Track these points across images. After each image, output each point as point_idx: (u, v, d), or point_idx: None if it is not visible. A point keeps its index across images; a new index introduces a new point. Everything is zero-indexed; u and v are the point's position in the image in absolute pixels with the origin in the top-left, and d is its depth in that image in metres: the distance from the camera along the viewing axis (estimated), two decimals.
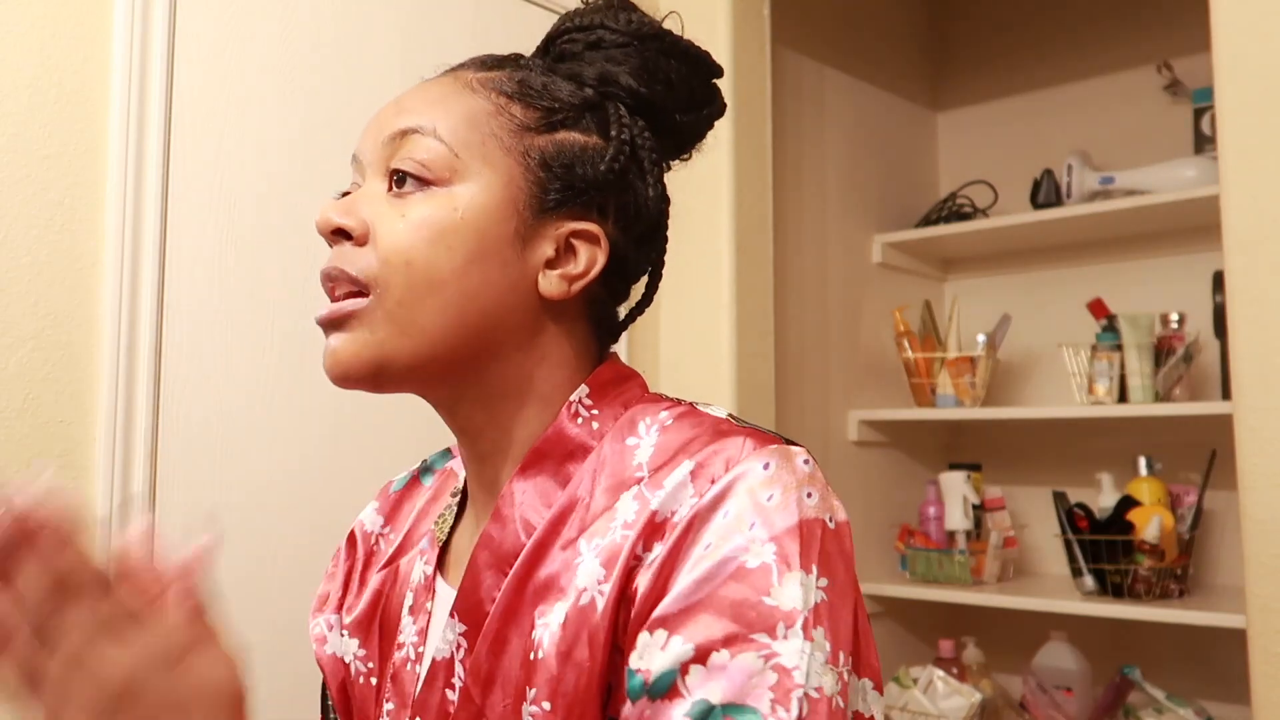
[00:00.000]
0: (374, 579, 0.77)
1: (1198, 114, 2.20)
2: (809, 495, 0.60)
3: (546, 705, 0.60)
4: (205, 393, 1.32)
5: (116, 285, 1.25)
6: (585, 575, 0.62)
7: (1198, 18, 1.50)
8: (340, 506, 1.44)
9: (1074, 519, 2.08)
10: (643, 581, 0.59)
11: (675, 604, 0.58)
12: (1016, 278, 2.53)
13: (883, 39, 2.59)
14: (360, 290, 0.66)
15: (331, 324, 0.67)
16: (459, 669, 0.65)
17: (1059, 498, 2.13)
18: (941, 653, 2.20)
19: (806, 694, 0.55)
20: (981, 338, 2.31)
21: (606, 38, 0.73)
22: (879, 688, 0.63)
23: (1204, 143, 2.16)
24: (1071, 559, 2.09)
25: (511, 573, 0.65)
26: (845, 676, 0.58)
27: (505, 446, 0.70)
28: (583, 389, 0.70)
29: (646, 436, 0.67)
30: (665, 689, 0.56)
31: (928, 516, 2.31)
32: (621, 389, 0.71)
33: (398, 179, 0.67)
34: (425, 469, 0.84)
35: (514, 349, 0.69)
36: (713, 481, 0.60)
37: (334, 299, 0.67)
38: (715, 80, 0.77)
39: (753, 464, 0.61)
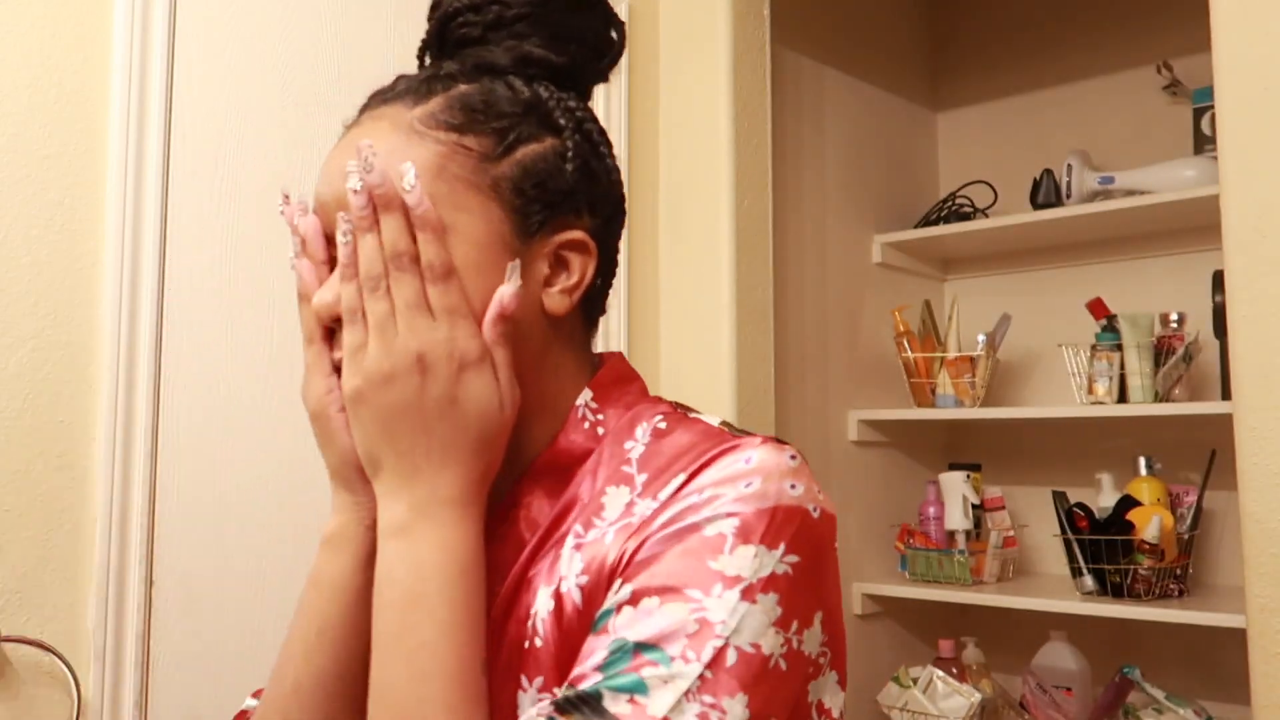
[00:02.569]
0: None
1: (1198, 114, 2.20)
2: (792, 486, 0.61)
3: (548, 693, 0.61)
4: (205, 393, 1.32)
5: (116, 285, 1.25)
6: (566, 564, 0.64)
7: (1198, 18, 1.50)
8: None
9: (1074, 519, 2.08)
10: (627, 547, 0.61)
11: (635, 560, 0.60)
12: (1016, 278, 2.53)
13: (883, 39, 2.59)
14: None
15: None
16: None
17: (1059, 498, 2.13)
18: (941, 653, 2.20)
19: (734, 647, 0.56)
20: (981, 338, 2.31)
21: (506, 14, 0.70)
22: (843, 683, 0.65)
23: (1204, 143, 2.16)
24: (1071, 559, 2.09)
25: (511, 573, 0.66)
26: (798, 647, 0.59)
27: (512, 460, 0.68)
28: (587, 393, 0.71)
29: (640, 440, 0.68)
30: (600, 626, 0.59)
31: (928, 516, 2.31)
32: (624, 390, 0.72)
33: None
34: None
35: (527, 372, 0.68)
36: (704, 460, 0.63)
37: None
38: (610, 17, 0.74)
39: (737, 455, 0.62)
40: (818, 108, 2.32)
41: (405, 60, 1.56)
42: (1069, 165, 2.26)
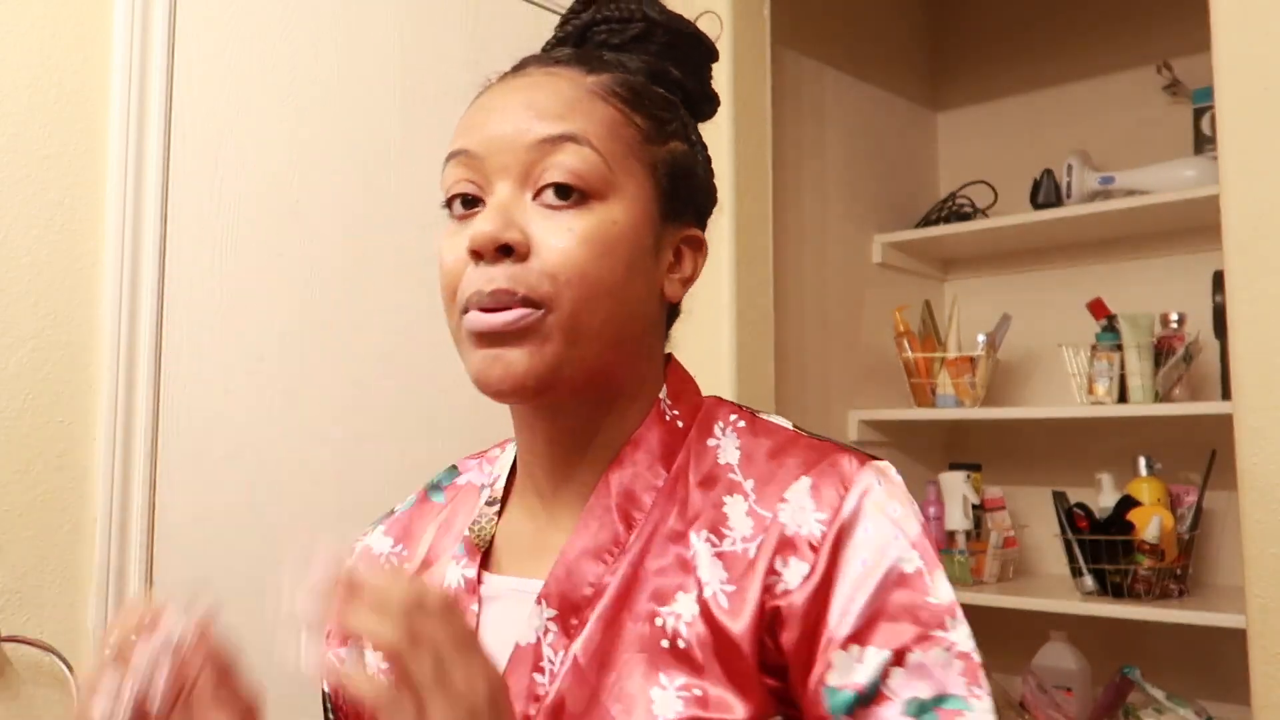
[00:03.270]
0: None
1: (1198, 114, 2.20)
2: (911, 503, 0.68)
3: (698, 691, 0.64)
4: (205, 393, 1.32)
5: (116, 285, 1.24)
6: (707, 572, 0.66)
7: (1198, 18, 1.50)
8: (340, 506, 1.44)
9: (1074, 519, 2.08)
10: (798, 600, 0.64)
11: (857, 621, 0.63)
12: (1016, 278, 2.53)
13: (883, 39, 2.59)
14: (531, 305, 0.65)
15: (503, 338, 0.65)
16: (547, 652, 0.67)
17: (1059, 498, 2.13)
18: None
19: (981, 666, 0.64)
20: (981, 338, 2.31)
21: (651, 32, 0.74)
22: None
23: (1204, 143, 2.16)
24: (1071, 559, 2.09)
25: (625, 560, 0.68)
26: None
27: (598, 443, 0.72)
28: (664, 388, 0.75)
29: (725, 438, 0.73)
30: (873, 695, 0.62)
31: (928, 516, 2.31)
32: (689, 388, 0.77)
33: (556, 190, 0.66)
34: (433, 487, 0.85)
35: (637, 351, 0.72)
36: (840, 500, 0.66)
37: (494, 312, 0.65)
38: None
39: (868, 482, 0.67)
40: (818, 108, 2.32)
41: (404, 59, 1.56)
42: (1069, 165, 2.26)
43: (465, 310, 0.67)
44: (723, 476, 0.70)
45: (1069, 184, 2.26)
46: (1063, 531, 2.10)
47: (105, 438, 1.23)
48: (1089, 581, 2.05)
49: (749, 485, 0.69)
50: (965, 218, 2.44)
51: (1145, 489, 2.06)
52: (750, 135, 1.95)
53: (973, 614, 2.27)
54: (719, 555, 0.67)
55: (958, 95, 2.68)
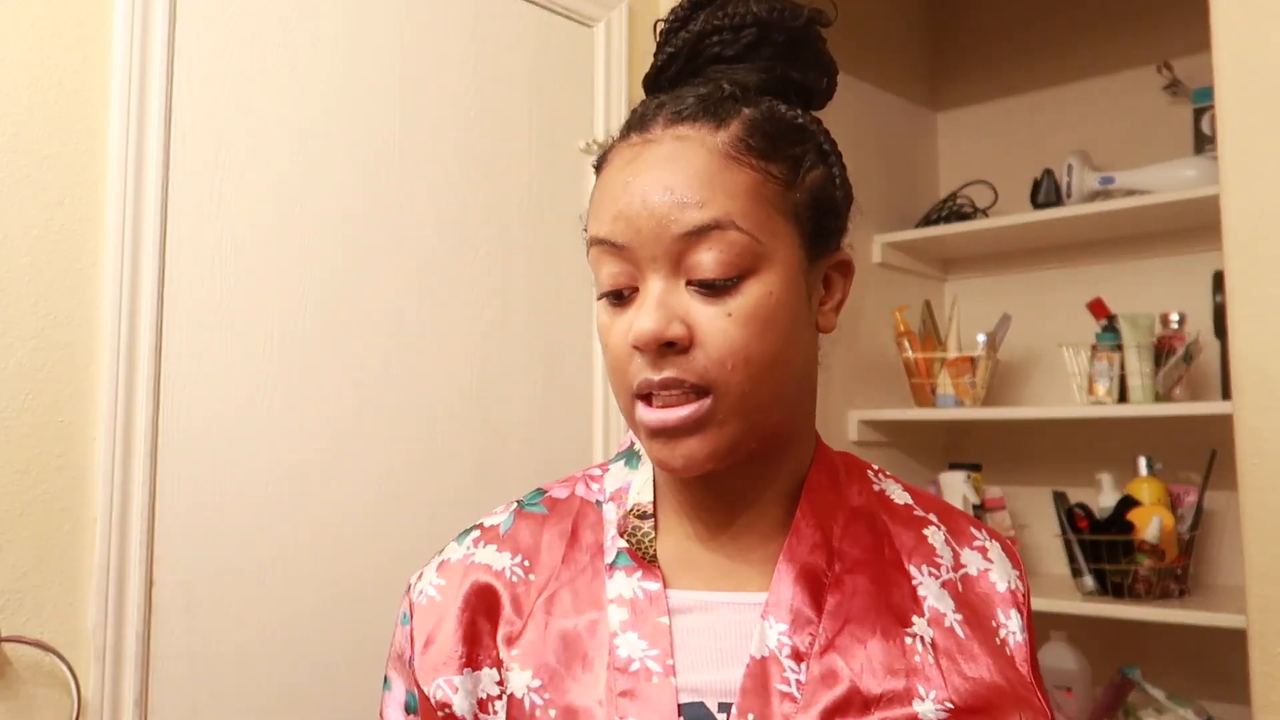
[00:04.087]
0: (537, 601, 0.73)
1: (1198, 114, 2.20)
2: None
3: (950, 705, 0.68)
4: (205, 393, 1.32)
5: (116, 285, 1.24)
6: (937, 599, 0.73)
7: (1198, 18, 1.50)
8: (341, 506, 1.44)
9: (1074, 519, 2.08)
10: (1018, 652, 0.73)
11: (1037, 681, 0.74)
12: (1016, 278, 2.53)
13: (883, 39, 2.59)
14: (701, 392, 0.67)
15: (678, 431, 0.68)
16: (789, 664, 0.68)
17: (1059, 498, 2.13)
18: None
19: None
20: (981, 338, 2.31)
21: (769, 36, 0.73)
22: None
23: (1204, 143, 2.16)
24: (1071, 559, 2.09)
25: (852, 583, 0.72)
26: None
27: (778, 473, 0.75)
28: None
29: (885, 483, 0.80)
30: None
31: None
32: None
33: (703, 281, 0.67)
34: (528, 504, 0.81)
35: (801, 391, 0.75)
36: (1019, 564, 0.79)
37: (664, 405, 0.67)
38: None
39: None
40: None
41: (405, 59, 1.56)
42: (1069, 165, 2.27)
43: (637, 396, 0.69)
44: (909, 513, 0.77)
45: (1069, 184, 2.26)
46: (1063, 531, 2.10)
47: (105, 438, 1.22)
48: (1089, 581, 2.05)
49: (935, 518, 0.78)
50: (965, 218, 2.44)
51: (1145, 489, 2.06)
52: None
53: None
54: (944, 586, 0.74)
55: (958, 95, 2.68)
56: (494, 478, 1.62)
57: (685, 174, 0.67)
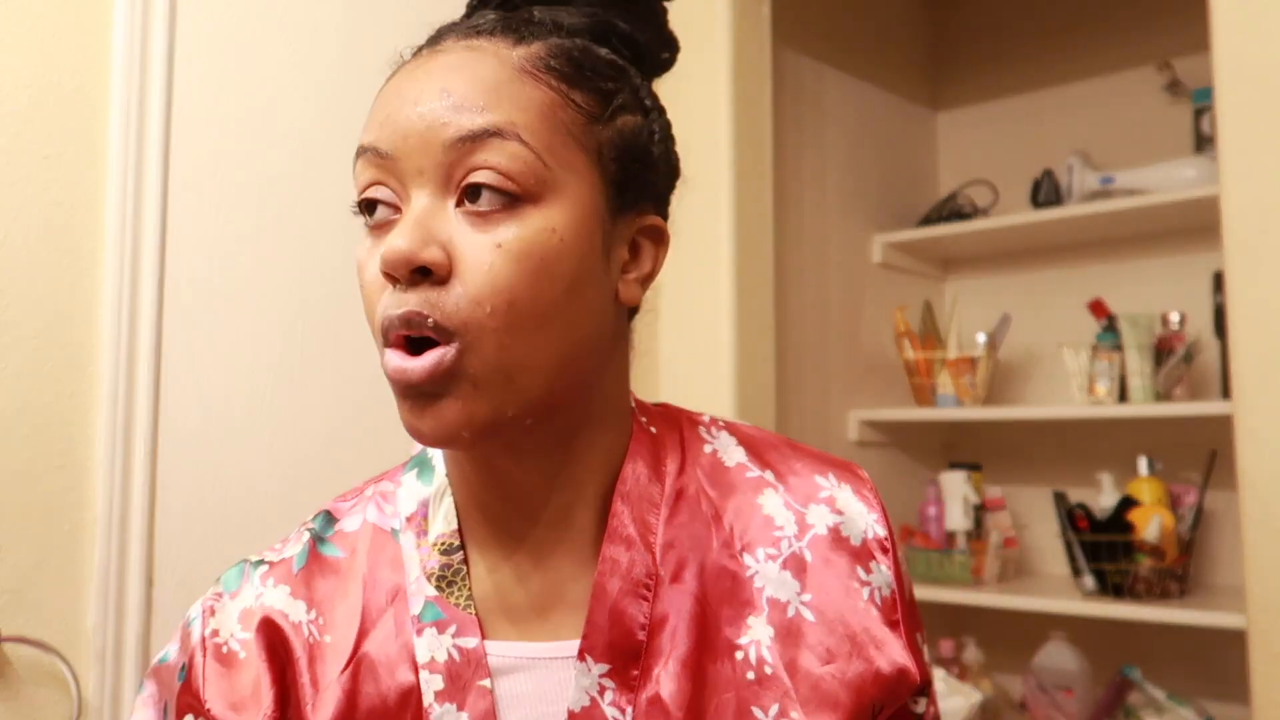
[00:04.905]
0: (336, 677, 0.61)
1: (1198, 114, 2.20)
2: None
3: (795, 714, 0.60)
4: (205, 393, 1.32)
5: (116, 285, 1.24)
6: (776, 587, 0.63)
7: (1198, 18, 1.50)
8: None
9: (1074, 519, 2.08)
10: (886, 607, 0.65)
11: (912, 622, 0.67)
12: (1016, 278, 2.53)
13: (883, 39, 2.59)
14: (447, 338, 0.55)
15: (428, 388, 0.56)
16: (611, 713, 0.59)
17: (1059, 498, 2.13)
18: (942, 653, 2.20)
19: None
20: (981, 338, 2.31)
21: None
22: None
23: (1204, 143, 2.16)
24: (1072, 559, 2.09)
25: (677, 595, 0.62)
26: None
27: (578, 473, 0.63)
28: (632, 399, 0.68)
29: (718, 440, 0.69)
30: (927, 689, 0.68)
31: (928, 516, 2.31)
32: (637, 397, 0.69)
33: (472, 193, 0.56)
34: (319, 540, 0.67)
35: (598, 368, 0.62)
36: (879, 503, 0.69)
37: (408, 347, 0.56)
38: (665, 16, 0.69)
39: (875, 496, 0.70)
40: (818, 108, 2.32)
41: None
42: (1069, 165, 2.27)
43: (385, 342, 0.57)
44: (741, 476, 0.66)
45: (1069, 184, 2.26)
46: (1063, 531, 2.10)
47: (105, 438, 1.23)
48: (1089, 581, 2.05)
49: (771, 477, 0.67)
50: (965, 217, 2.44)
51: (1145, 489, 2.06)
52: (750, 135, 1.95)
53: (973, 614, 2.27)
54: (785, 564, 0.64)
55: (958, 95, 2.68)
56: None
57: (468, 79, 0.57)
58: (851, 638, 0.63)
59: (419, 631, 0.61)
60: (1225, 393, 1.85)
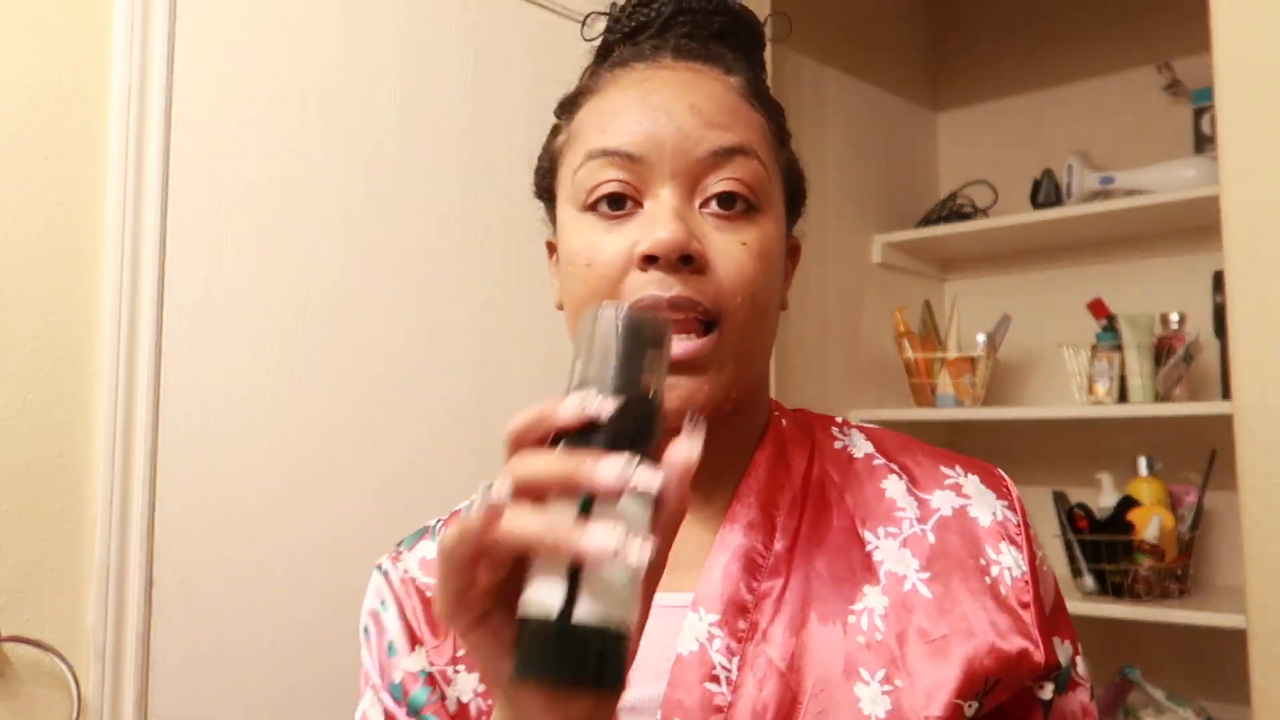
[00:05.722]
0: None
1: (1198, 114, 2.20)
2: None
3: (900, 683, 0.62)
4: (205, 393, 1.32)
5: (116, 285, 1.24)
6: (895, 562, 0.66)
7: (1198, 18, 1.50)
8: (341, 506, 1.44)
9: (1074, 519, 2.08)
10: (1015, 589, 0.66)
11: (1054, 614, 0.69)
12: (1016, 278, 2.53)
13: (883, 39, 2.59)
14: (707, 323, 0.63)
15: (688, 366, 0.63)
16: (719, 659, 0.63)
17: (1059, 498, 2.13)
18: None
19: None
20: (981, 338, 2.31)
21: (735, 26, 0.73)
22: None
23: (1204, 143, 2.16)
24: (1071, 559, 2.09)
25: (791, 564, 0.66)
26: None
27: (728, 454, 0.70)
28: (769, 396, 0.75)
29: (849, 437, 0.74)
30: (1068, 681, 0.68)
31: None
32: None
33: (725, 200, 0.64)
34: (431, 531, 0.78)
35: (761, 362, 0.71)
36: (1011, 491, 0.71)
37: (675, 326, 0.63)
38: None
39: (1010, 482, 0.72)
40: (818, 108, 2.32)
41: (405, 59, 1.56)
42: (1069, 165, 2.27)
43: None
44: (867, 465, 0.71)
45: (1069, 184, 2.26)
46: (1063, 531, 2.10)
47: (105, 438, 1.22)
48: (1089, 581, 2.05)
49: (896, 467, 0.71)
50: (965, 218, 2.44)
51: (1145, 489, 2.06)
52: None
53: None
54: (905, 543, 0.67)
55: (958, 95, 2.68)
56: (495, 475, 1.62)
57: (710, 97, 0.66)
58: (967, 614, 0.65)
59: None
60: (1225, 393, 1.85)
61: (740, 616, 0.64)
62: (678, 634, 0.64)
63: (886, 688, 0.62)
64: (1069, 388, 2.19)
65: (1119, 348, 2.08)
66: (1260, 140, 1.38)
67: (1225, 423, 1.43)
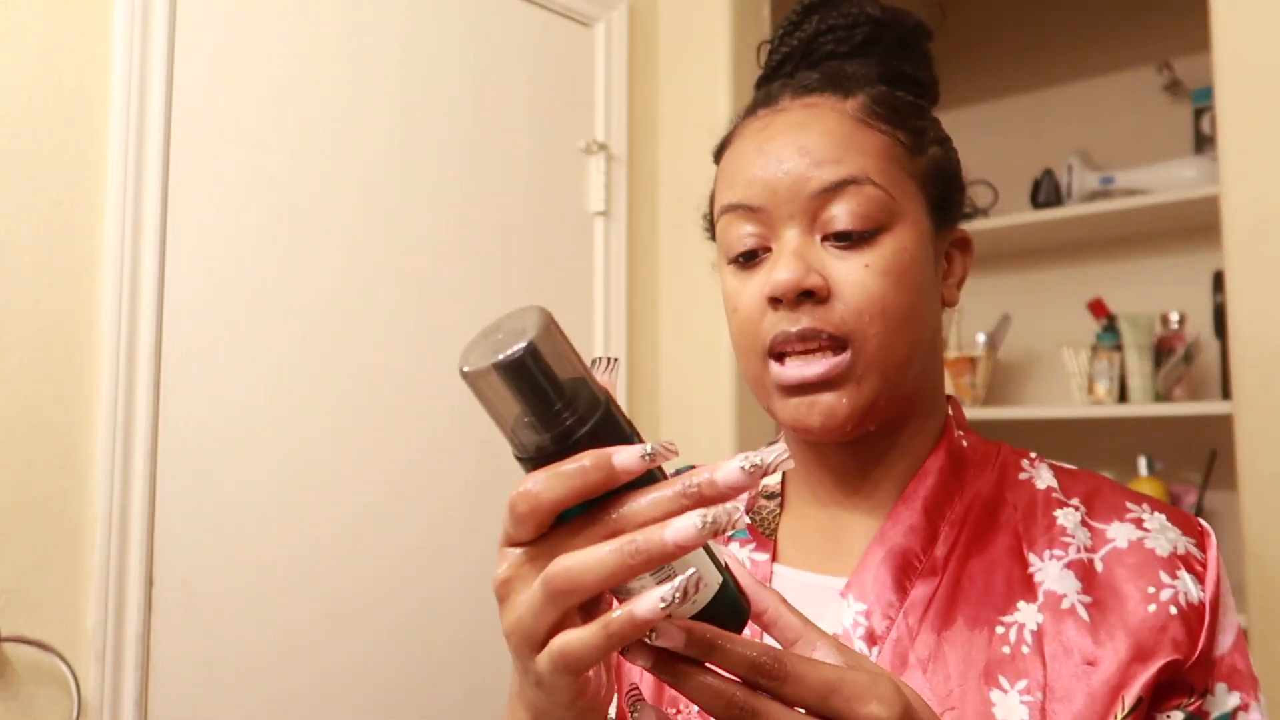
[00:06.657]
0: None
1: (1198, 114, 2.20)
2: None
3: (1039, 695, 0.64)
4: (205, 393, 1.32)
5: (116, 285, 1.24)
6: (1056, 581, 0.67)
7: (1198, 18, 1.50)
8: (341, 506, 1.44)
9: None
10: (1188, 613, 0.65)
11: (1229, 656, 0.67)
12: (1016, 278, 2.53)
13: None
14: (838, 345, 0.67)
15: (824, 385, 0.68)
16: (857, 645, 0.66)
17: None
18: None
19: None
20: (982, 337, 2.31)
21: (881, 33, 0.76)
22: None
23: (1204, 143, 2.16)
24: None
25: (945, 569, 0.69)
26: None
27: (894, 456, 0.74)
28: (949, 410, 0.77)
29: (1036, 470, 0.75)
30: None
31: None
32: (965, 422, 0.79)
33: (840, 234, 0.68)
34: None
35: (928, 365, 0.74)
36: (1202, 531, 0.70)
37: (803, 358, 0.68)
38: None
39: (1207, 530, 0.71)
40: None
41: (405, 59, 1.56)
42: (1069, 165, 2.27)
43: (770, 354, 0.69)
44: (1046, 496, 0.73)
45: (1069, 184, 2.26)
46: None
47: (105, 438, 1.22)
48: None
49: (1075, 501, 0.72)
50: (965, 218, 2.43)
51: (1145, 489, 2.06)
52: None
53: None
54: (1069, 566, 0.68)
55: (958, 95, 2.68)
56: (496, 479, 1.62)
57: (819, 135, 0.69)
58: (1122, 639, 0.65)
59: (726, 542, 0.77)
60: (1225, 393, 1.85)
61: (887, 610, 0.67)
62: (823, 615, 0.68)
63: (1026, 698, 0.64)
64: (1069, 388, 2.19)
65: (1119, 347, 2.08)
66: (1260, 140, 1.38)
67: (1225, 423, 1.43)
